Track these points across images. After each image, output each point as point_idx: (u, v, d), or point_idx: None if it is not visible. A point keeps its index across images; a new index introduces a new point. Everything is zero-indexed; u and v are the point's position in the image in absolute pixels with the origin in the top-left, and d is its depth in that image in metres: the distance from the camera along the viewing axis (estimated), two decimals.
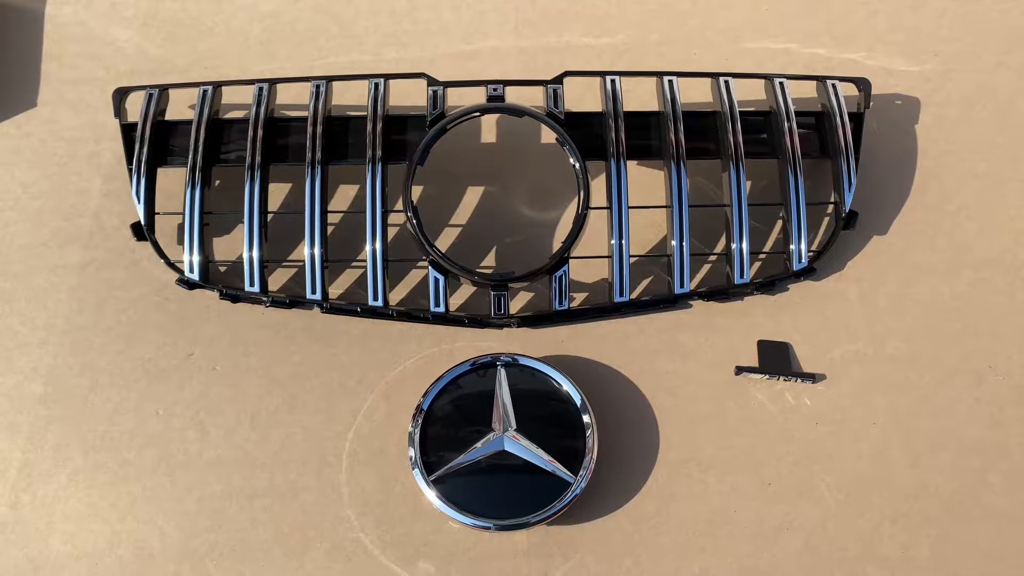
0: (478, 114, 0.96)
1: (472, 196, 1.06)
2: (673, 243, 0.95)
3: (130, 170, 0.99)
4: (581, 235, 0.95)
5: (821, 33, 1.15)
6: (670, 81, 1.00)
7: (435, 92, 0.99)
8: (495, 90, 0.98)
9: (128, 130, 1.02)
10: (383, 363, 0.96)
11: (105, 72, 1.13)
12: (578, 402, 0.88)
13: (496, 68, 1.15)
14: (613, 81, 1.00)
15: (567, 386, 0.89)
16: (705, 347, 0.97)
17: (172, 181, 1.03)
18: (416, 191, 0.98)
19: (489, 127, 1.11)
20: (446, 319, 0.96)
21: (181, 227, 1.01)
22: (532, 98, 1.01)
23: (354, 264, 1.00)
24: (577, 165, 0.95)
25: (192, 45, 1.16)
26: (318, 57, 1.15)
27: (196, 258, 0.96)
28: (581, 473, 0.86)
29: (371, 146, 0.96)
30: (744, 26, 1.16)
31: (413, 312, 0.96)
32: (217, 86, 1.02)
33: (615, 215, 0.95)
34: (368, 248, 0.94)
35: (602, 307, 0.97)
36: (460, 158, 1.06)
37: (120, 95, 1.03)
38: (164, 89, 1.03)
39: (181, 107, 1.06)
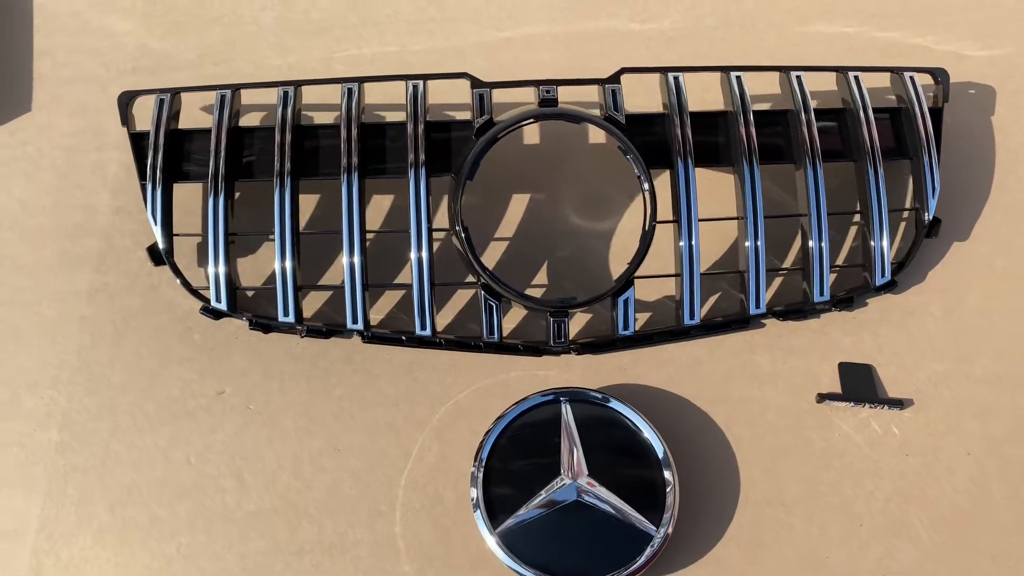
0: (531, 121, 0.87)
1: (516, 205, 0.97)
2: (748, 258, 0.87)
3: (143, 185, 0.89)
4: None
5: (890, 14, 1.06)
6: (738, 77, 0.91)
7: (481, 96, 0.89)
8: (548, 92, 0.88)
9: (138, 140, 0.91)
10: (433, 397, 0.87)
11: (104, 70, 1.02)
12: (659, 453, 0.81)
13: (533, 58, 1.05)
14: (676, 79, 0.90)
15: (647, 433, 0.81)
16: (782, 371, 0.89)
17: (187, 197, 0.93)
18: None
19: (531, 127, 1.01)
20: (500, 347, 0.88)
21: (201, 247, 0.92)
22: (575, 94, 0.91)
23: (392, 287, 0.91)
24: (642, 176, 0.86)
25: (199, 37, 1.04)
26: (337, 49, 1.04)
27: (223, 285, 0.87)
28: (663, 525, 0.78)
29: (413, 156, 0.87)
30: (807, 7, 1.06)
31: (464, 340, 0.88)
32: (236, 89, 0.92)
33: (684, 229, 0.86)
34: (414, 272, 0.85)
35: (670, 331, 0.89)
36: (500, 163, 0.96)
37: (126, 100, 0.92)
38: (176, 93, 0.92)
39: (191, 109, 0.96)
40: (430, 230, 0.86)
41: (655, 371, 0.89)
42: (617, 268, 0.94)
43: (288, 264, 0.86)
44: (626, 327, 0.86)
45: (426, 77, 0.91)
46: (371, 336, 0.88)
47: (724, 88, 0.92)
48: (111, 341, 0.89)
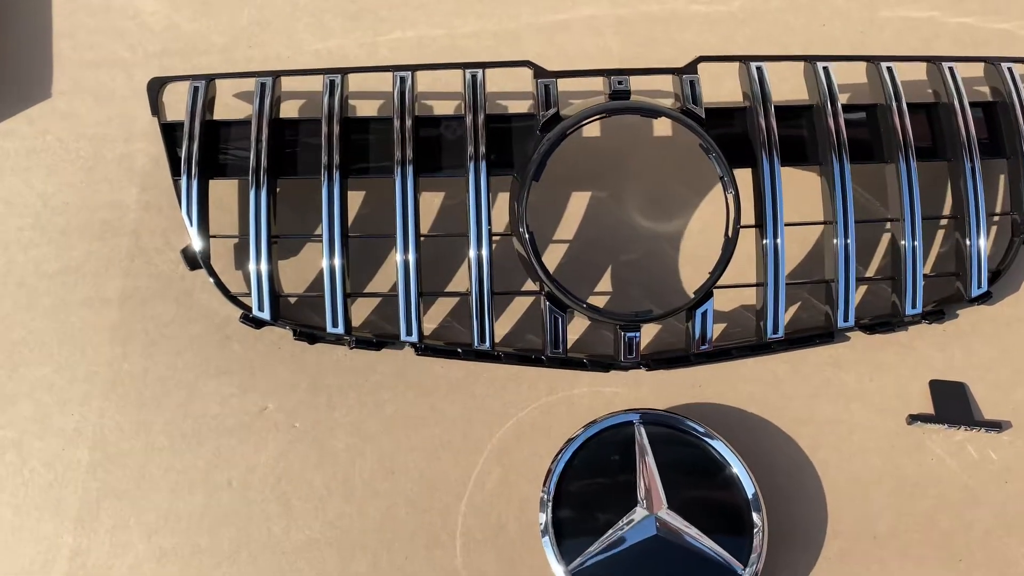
0: (604, 115, 0.79)
1: (576, 205, 0.90)
2: (836, 266, 0.80)
3: (175, 181, 0.82)
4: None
5: None
6: (825, 68, 0.84)
7: (546, 87, 0.81)
8: (620, 83, 0.81)
9: (169, 131, 0.84)
10: (492, 415, 0.81)
11: (130, 53, 0.95)
12: (748, 492, 0.74)
13: (593, 43, 0.97)
14: (759, 69, 0.83)
15: (735, 467, 0.75)
16: (870, 388, 0.82)
17: (223, 193, 0.86)
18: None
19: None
20: (564, 362, 0.81)
21: (240, 250, 0.85)
22: (640, 83, 0.84)
23: (448, 294, 0.84)
24: (726, 178, 0.78)
25: (231, 17, 0.97)
26: (381, 31, 0.97)
27: (266, 292, 0.80)
28: (750, 564, 0.72)
29: (473, 152, 0.79)
30: None
31: (525, 354, 0.81)
32: (277, 76, 0.84)
33: (768, 234, 0.79)
34: (472, 278, 0.78)
35: (750, 345, 0.82)
36: (558, 157, 0.89)
37: (157, 87, 0.84)
38: (211, 79, 0.85)
39: (223, 96, 0.88)
40: (490, 233, 0.79)
41: (733, 389, 0.82)
42: (688, 274, 0.87)
43: (337, 269, 0.79)
44: (704, 342, 0.80)
45: (485, 65, 0.83)
46: (425, 348, 0.81)
47: (808, 79, 0.85)
48: (143, 352, 0.82)
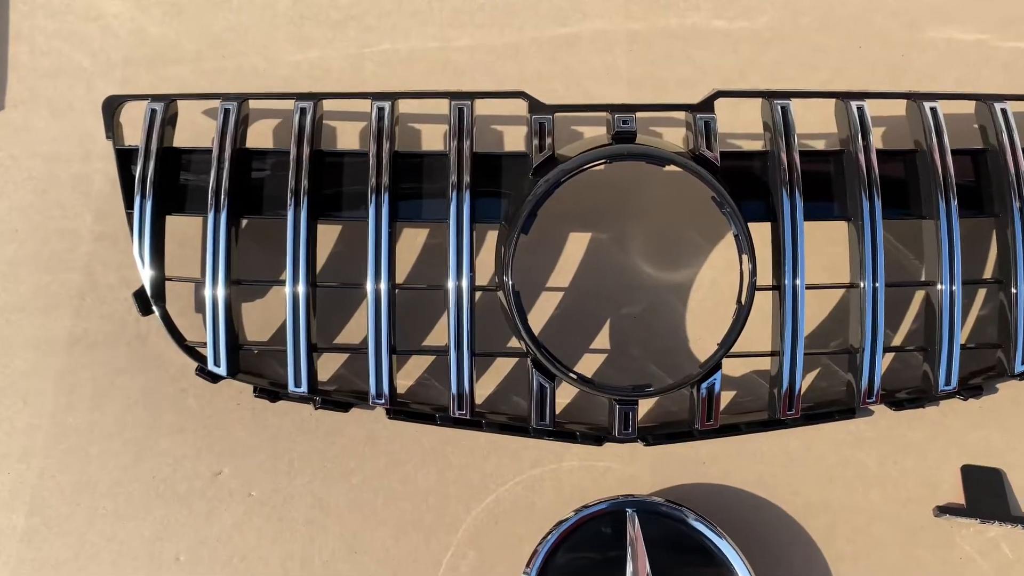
0: (605, 162, 0.70)
1: (573, 248, 0.81)
2: (863, 335, 0.71)
3: (129, 215, 0.74)
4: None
5: (1017, 19, 0.87)
6: (860, 108, 0.74)
7: (541, 124, 0.72)
8: (624, 123, 0.71)
9: (125, 157, 0.75)
10: (469, 489, 0.73)
11: (91, 61, 0.86)
12: None
13: (600, 60, 0.87)
14: (785, 110, 0.73)
15: (738, 568, 0.67)
16: (893, 472, 0.74)
17: (182, 226, 0.78)
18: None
19: None
20: (552, 433, 0.73)
21: (199, 291, 0.77)
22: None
23: (424, 351, 0.76)
24: (741, 237, 0.69)
25: (204, 23, 0.87)
26: (368, 42, 0.87)
27: (223, 343, 0.72)
28: None
29: (456, 198, 0.71)
30: (921, 7, 0.87)
31: (510, 424, 0.73)
32: (243, 100, 0.76)
33: (788, 300, 0.70)
34: (451, 337, 0.70)
35: (761, 421, 0.73)
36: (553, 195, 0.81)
37: (113, 106, 0.76)
38: (171, 100, 0.76)
39: (191, 112, 0.80)
40: (472, 288, 0.70)
41: (740, 468, 0.74)
42: (696, 331, 0.78)
43: (302, 322, 0.71)
44: (709, 418, 0.71)
45: (473, 95, 0.74)
46: (397, 411, 0.73)
47: (839, 114, 0.75)
48: (91, 403, 0.75)
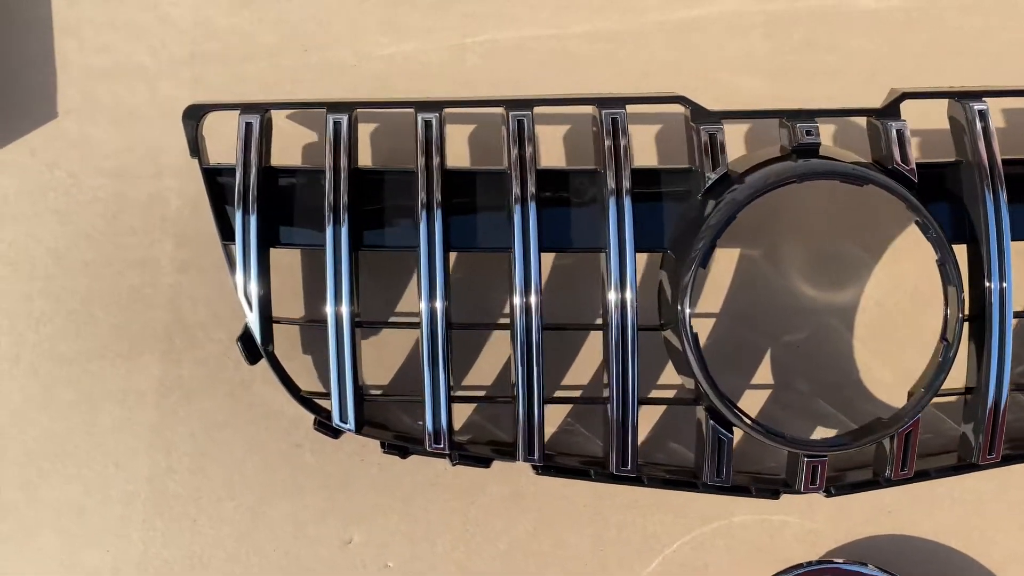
0: (794, 182, 0.61)
1: (722, 266, 0.72)
2: None
3: (225, 247, 0.64)
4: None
5: None
6: None
7: (712, 136, 0.62)
8: (808, 134, 0.62)
9: (214, 179, 0.65)
10: (632, 551, 0.65)
11: (152, 58, 0.74)
12: None
13: (735, 47, 0.77)
14: (983, 115, 0.64)
15: None
16: None
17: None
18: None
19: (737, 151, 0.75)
20: (724, 488, 0.65)
21: (306, 332, 0.68)
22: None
23: (580, 401, 0.67)
24: (948, 264, 0.61)
25: (280, 12, 0.75)
26: (471, 31, 0.76)
27: (350, 396, 0.62)
28: None
29: (615, 222, 0.61)
30: None
31: (676, 478, 0.65)
32: (353, 109, 0.65)
33: (994, 330, 0.62)
34: (614, 385, 0.61)
35: (953, 466, 0.66)
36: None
37: (196, 118, 0.65)
38: (268, 110, 0.65)
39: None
40: (636, 328, 0.61)
41: (928, 515, 0.66)
42: (866, 360, 0.70)
43: (441, 368, 0.61)
44: (904, 467, 0.63)
45: (626, 100, 0.64)
46: (545, 468, 0.64)
47: None
48: (192, 464, 0.66)
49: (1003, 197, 0.62)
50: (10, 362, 0.67)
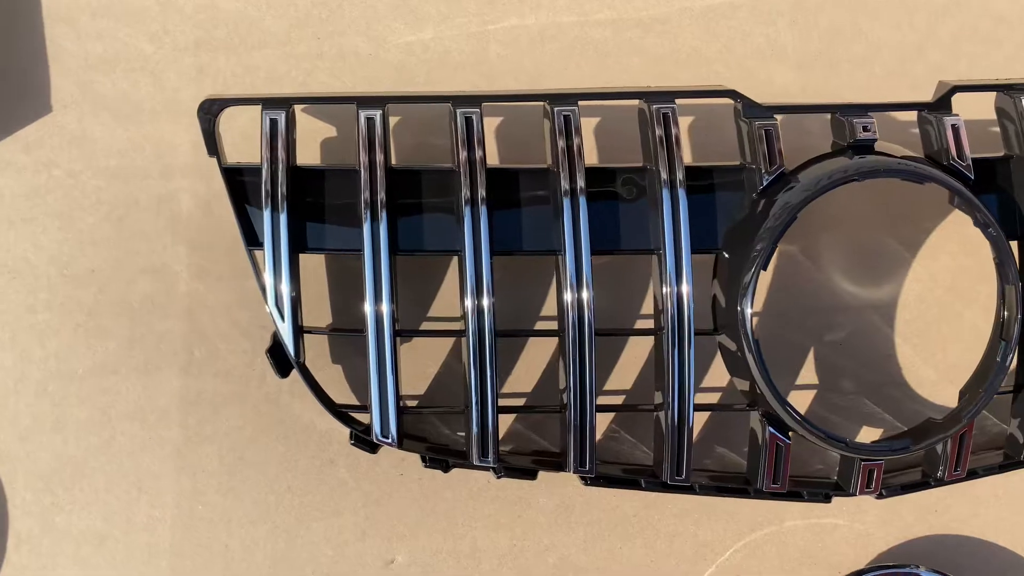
0: (855, 180, 0.59)
1: None
2: None
3: (250, 252, 0.60)
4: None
5: None
6: None
7: (768, 132, 0.60)
8: (865, 128, 0.60)
9: (236, 178, 0.61)
10: (685, 561, 0.63)
11: (154, 46, 0.69)
12: None
13: (762, 34, 0.74)
14: None
15: None
16: None
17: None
18: None
19: None
20: (776, 494, 0.63)
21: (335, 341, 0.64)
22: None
23: (629, 408, 0.65)
24: (1007, 264, 0.59)
25: None
26: (492, 17, 0.73)
27: (391, 408, 0.59)
28: None
29: (671, 223, 0.59)
30: None
31: (729, 484, 0.63)
32: (384, 103, 0.61)
33: None
34: (670, 390, 0.59)
35: (1000, 464, 0.65)
36: None
37: (213, 113, 0.60)
38: (291, 104, 0.61)
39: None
40: (691, 332, 0.59)
41: (976, 514, 0.66)
42: (909, 358, 0.69)
43: (489, 378, 0.58)
44: (958, 467, 0.62)
45: (675, 94, 0.61)
46: (595, 479, 0.62)
47: None
48: (221, 485, 0.62)
49: None
50: (15, 380, 0.62)
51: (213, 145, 0.61)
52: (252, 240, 0.60)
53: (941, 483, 0.63)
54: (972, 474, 0.65)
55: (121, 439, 0.62)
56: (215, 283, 0.65)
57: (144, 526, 0.61)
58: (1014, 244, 0.63)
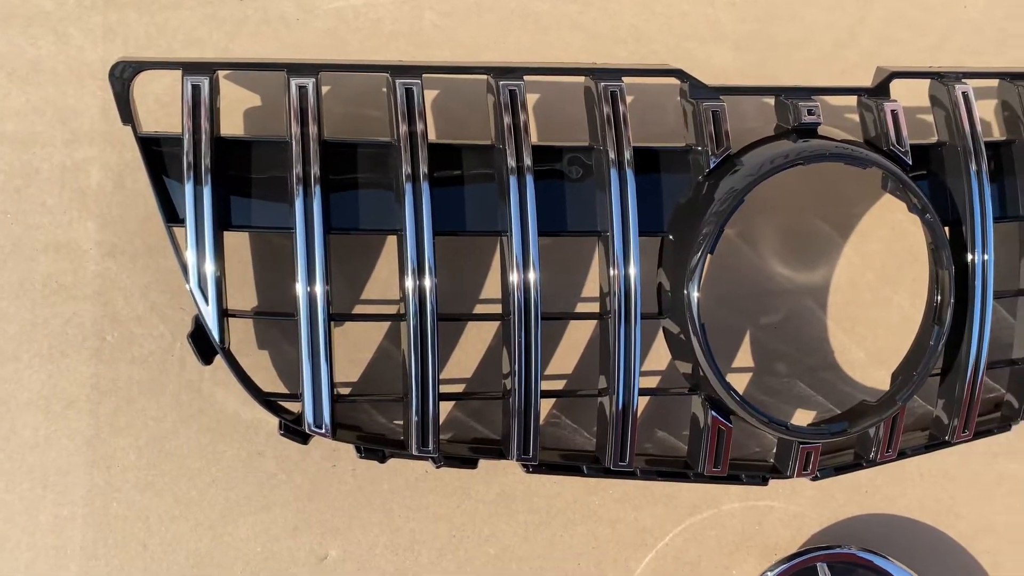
0: (800, 164, 0.58)
1: None
2: None
3: (169, 229, 0.55)
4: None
5: None
6: None
7: (715, 113, 0.59)
8: (810, 113, 0.60)
9: (152, 149, 0.56)
10: (625, 545, 0.63)
11: (55, 2, 0.63)
12: None
13: (700, 15, 0.74)
14: (965, 94, 0.64)
15: None
16: None
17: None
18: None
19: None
20: (716, 477, 0.63)
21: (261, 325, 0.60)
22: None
23: (573, 395, 0.63)
24: (942, 251, 0.60)
25: None
26: None
27: (325, 397, 0.56)
28: None
29: (619, 205, 0.57)
30: None
31: (670, 469, 0.62)
32: (317, 71, 0.57)
33: (976, 315, 0.63)
34: (616, 376, 0.57)
35: (926, 444, 0.67)
36: None
37: (127, 77, 0.55)
38: (215, 71, 0.56)
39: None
40: (638, 315, 0.58)
41: (903, 493, 0.67)
42: (842, 341, 0.70)
43: (430, 364, 0.56)
44: (890, 448, 0.64)
45: (623, 72, 0.59)
46: (538, 466, 0.60)
47: (1012, 100, 0.67)
48: (139, 481, 0.57)
49: (987, 178, 0.63)
50: None
51: (128, 112, 0.56)
52: (172, 216, 0.55)
53: (874, 464, 0.65)
54: (901, 455, 0.66)
55: (24, 432, 0.57)
56: (129, 262, 0.60)
57: (51, 527, 0.56)
58: (946, 230, 0.64)
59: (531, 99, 0.68)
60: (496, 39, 0.69)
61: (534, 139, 0.64)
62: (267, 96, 0.64)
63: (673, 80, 0.61)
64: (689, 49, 0.73)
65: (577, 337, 0.65)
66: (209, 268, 0.54)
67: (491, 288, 0.64)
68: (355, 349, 0.62)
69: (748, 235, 0.70)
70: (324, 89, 0.65)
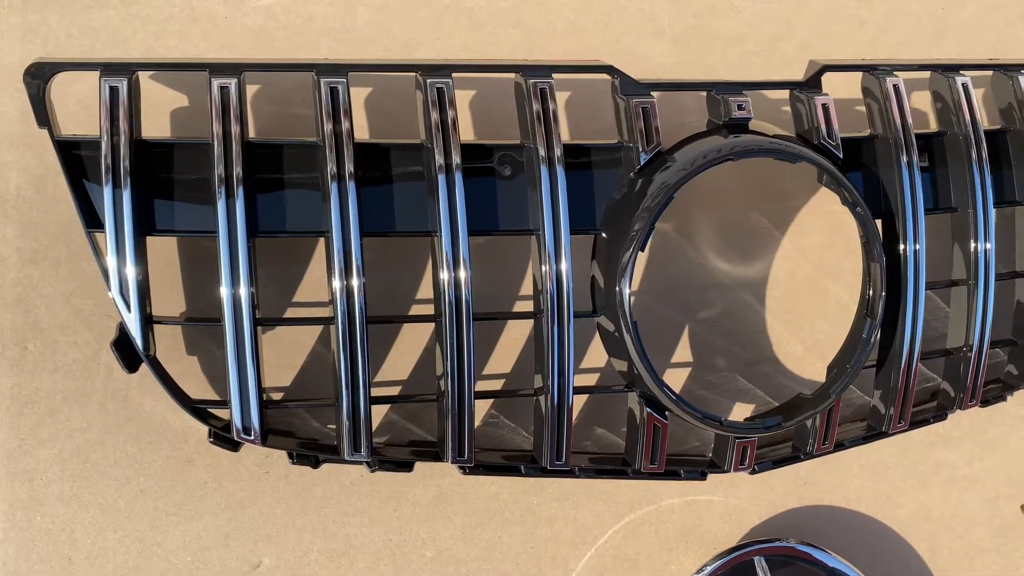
0: (729, 159, 0.58)
1: None
2: (972, 335, 0.65)
3: (89, 234, 0.54)
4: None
5: None
6: (964, 85, 0.66)
7: (644, 110, 0.58)
8: (740, 107, 0.60)
9: (71, 152, 0.54)
10: (565, 543, 0.62)
11: None
12: None
13: (637, 9, 0.73)
14: (896, 87, 0.64)
15: None
16: (981, 471, 0.71)
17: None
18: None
19: None
20: (655, 474, 0.63)
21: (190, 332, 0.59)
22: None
23: (509, 395, 0.63)
24: (873, 246, 0.60)
25: None
26: None
27: (254, 403, 0.55)
28: None
29: (550, 203, 0.56)
30: None
31: (607, 467, 0.62)
32: (240, 71, 0.56)
33: (909, 307, 0.63)
34: (549, 375, 0.57)
35: (864, 435, 0.67)
36: None
37: (43, 78, 0.54)
38: (135, 72, 0.55)
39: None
40: (571, 313, 0.57)
41: (841, 484, 0.68)
42: (780, 333, 0.70)
43: (361, 368, 0.55)
44: (826, 440, 0.64)
45: (553, 68, 0.59)
46: (474, 468, 0.60)
47: (938, 97, 0.67)
48: (63, 492, 0.56)
49: (917, 170, 0.63)
50: None
51: (44, 114, 0.54)
52: (92, 221, 0.54)
53: (811, 456, 0.65)
54: (839, 446, 0.67)
55: None
56: (51, 268, 0.59)
57: None
58: (878, 222, 0.64)
59: (468, 96, 0.68)
60: (431, 36, 0.68)
61: (469, 137, 0.64)
62: (194, 97, 0.63)
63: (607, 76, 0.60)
64: (627, 44, 0.72)
65: (515, 336, 0.64)
66: (131, 274, 0.53)
67: (427, 288, 0.64)
68: (287, 354, 0.61)
69: (686, 230, 0.70)
70: (254, 88, 0.65)
